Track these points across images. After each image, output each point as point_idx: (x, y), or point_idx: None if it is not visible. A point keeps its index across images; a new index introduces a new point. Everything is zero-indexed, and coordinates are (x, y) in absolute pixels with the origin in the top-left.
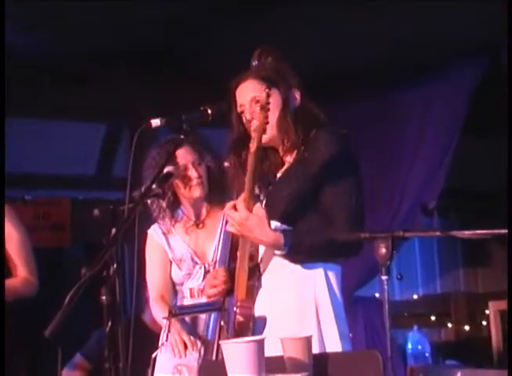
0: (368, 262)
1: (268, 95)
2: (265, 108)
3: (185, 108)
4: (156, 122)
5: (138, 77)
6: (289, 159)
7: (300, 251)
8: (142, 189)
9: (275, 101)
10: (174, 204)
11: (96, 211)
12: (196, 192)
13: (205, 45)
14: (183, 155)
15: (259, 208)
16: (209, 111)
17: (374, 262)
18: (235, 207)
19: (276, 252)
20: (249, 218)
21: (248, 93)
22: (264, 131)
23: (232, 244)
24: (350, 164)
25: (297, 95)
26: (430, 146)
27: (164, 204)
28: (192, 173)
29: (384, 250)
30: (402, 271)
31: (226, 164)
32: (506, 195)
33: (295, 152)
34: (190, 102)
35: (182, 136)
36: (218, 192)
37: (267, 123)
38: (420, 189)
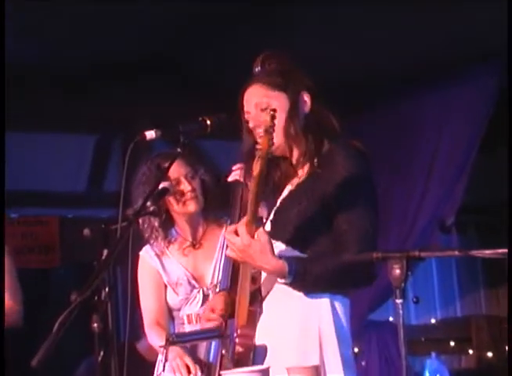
0: (381, 284)
1: (273, 117)
2: (268, 131)
3: (181, 119)
4: (151, 134)
5: (130, 84)
6: (301, 172)
7: (305, 281)
8: (136, 206)
9: (282, 105)
10: (168, 222)
11: (87, 231)
12: (191, 206)
13: (203, 51)
14: (174, 168)
15: (262, 234)
16: (208, 122)
17: (388, 284)
18: (236, 232)
19: (280, 281)
20: (251, 244)
21: (252, 99)
22: (268, 154)
23: (233, 265)
24: (368, 185)
25: (307, 98)
26: (446, 158)
27: (156, 224)
28: (185, 186)
29: (398, 271)
30: (419, 293)
31: (231, 178)
32: None
33: (307, 165)
34: (187, 112)
35: (179, 149)
36: (214, 208)
37: (272, 145)
38: (436, 204)
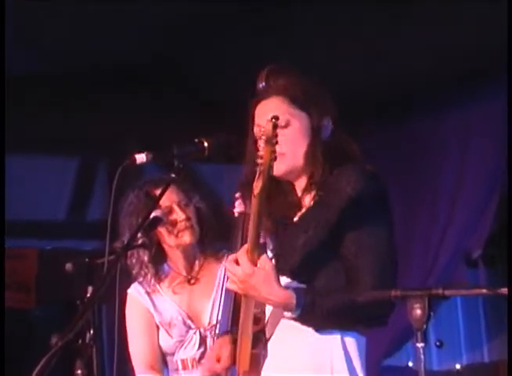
0: (400, 324)
1: (276, 126)
2: (271, 141)
3: (175, 139)
4: (141, 157)
5: (118, 97)
6: (308, 199)
7: (315, 315)
8: (124, 238)
9: (304, 128)
10: (159, 256)
11: (69, 266)
12: (186, 237)
13: (199, 60)
14: (166, 195)
15: (266, 261)
16: (205, 144)
17: (407, 325)
18: (237, 261)
19: (286, 314)
20: (254, 273)
21: (268, 112)
22: (271, 169)
23: (235, 303)
24: (380, 208)
25: (330, 124)
26: (472, 183)
27: (145, 258)
28: (179, 215)
29: (419, 311)
30: (442, 336)
31: (238, 209)
32: None
33: (314, 192)
34: (184, 130)
35: (173, 175)
36: (212, 239)
37: (275, 159)
38: (461, 235)
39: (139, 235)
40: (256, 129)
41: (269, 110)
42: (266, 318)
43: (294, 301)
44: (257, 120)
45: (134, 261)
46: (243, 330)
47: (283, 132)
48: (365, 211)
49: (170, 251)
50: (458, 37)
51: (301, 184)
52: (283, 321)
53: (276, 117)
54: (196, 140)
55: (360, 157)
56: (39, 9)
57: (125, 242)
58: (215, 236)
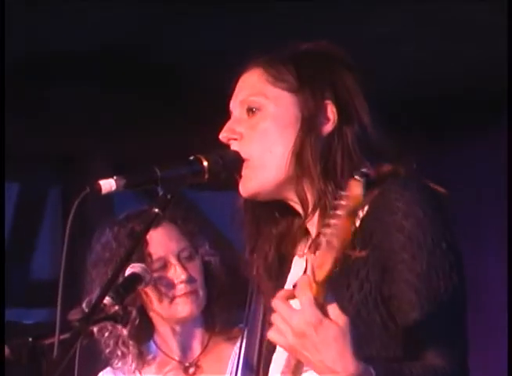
0: None
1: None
2: (354, 212)
3: (156, 155)
4: (109, 184)
5: (78, 90)
6: (314, 226)
7: None
8: (84, 305)
9: (287, 115)
10: (143, 329)
11: (7, 351)
12: (184, 308)
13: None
14: (160, 241)
15: (339, 314)
16: (204, 164)
17: None
18: (290, 297)
19: None
20: (321, 325)
21: (240, 91)
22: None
23: None
24: (451, 252)
25: (332, 113)
26: None
27: (124, 333)
28: (177, 273)
29: None
30: None
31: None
32: None
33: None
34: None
35: (157, 209)
36: (223, 310)
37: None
38: None
39: (109, 300)
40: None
41: (242, 89)
42: None
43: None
44: (231, 103)
45: (106, 335)
46: None
47: (250, 122)
48: (432, 257)
49: (159, 323)
50: None
51: (300, 203)
52: None
53: (364, 174)
54: (192, 158)
55: (399, 168)
56: None
57: (87, 310)
58: (229, 305)
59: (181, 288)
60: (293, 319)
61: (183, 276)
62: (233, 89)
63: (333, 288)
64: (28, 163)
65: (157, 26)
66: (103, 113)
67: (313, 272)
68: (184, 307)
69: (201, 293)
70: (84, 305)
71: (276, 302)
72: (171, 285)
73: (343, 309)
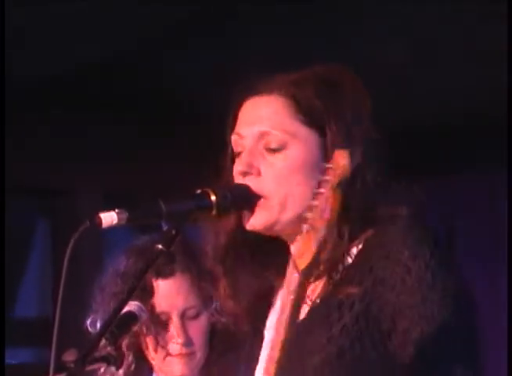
0: None
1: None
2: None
3: (158, 187)
4: (110, 218)
5: (69, 115)
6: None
7: None
8: (88, 323)
9: (310, 156)
10: (142, 368)
11: None
12: (177, 368)
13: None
14: (167, 294)
15: None
16: (212, 198)
17: None
18: None
19: None
20: None
21: (256, 118)
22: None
23: None
24: (459, 294)
25: (358, 153)
26: None
27: (120, 373)
28: (175, 334)
29: None
30: None
31: None
32: None
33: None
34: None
35: (161, 246)
36: (222, 370)
37: None
38: None
39: (102, 341)
40: (234, 138)
41: (258, 115)
42: None
43: None
44: (237, 126)
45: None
46: None
47: (270, 158)
48: (434, 309)
49: (157, 370)
50: None
51: (299, 247)
52: None
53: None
54: (199, 191)
55: (405, 211)
56: None
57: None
58: (228, 366)
59: (176, 349)
60: None
61: (180, 340)
62: (236, 114)
63: (320, 315)
64: (15, 185)
65: (157, 50)
66: (91, 144)
67: (294, 262)
68: (177, 366)
69: (199, 355)
70: (88, 322)
71: None
72: (167, 342)
73: (331, 339)
